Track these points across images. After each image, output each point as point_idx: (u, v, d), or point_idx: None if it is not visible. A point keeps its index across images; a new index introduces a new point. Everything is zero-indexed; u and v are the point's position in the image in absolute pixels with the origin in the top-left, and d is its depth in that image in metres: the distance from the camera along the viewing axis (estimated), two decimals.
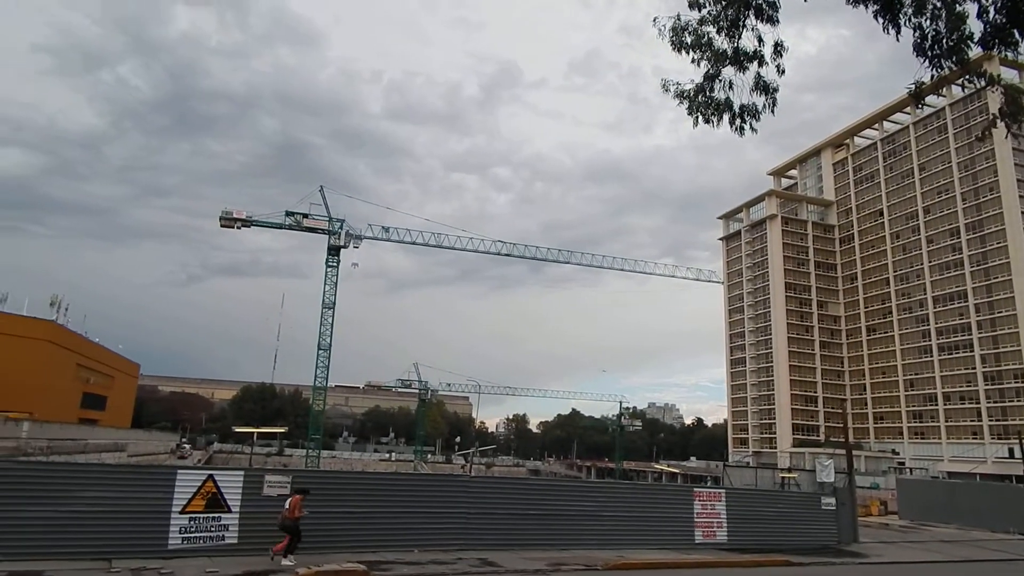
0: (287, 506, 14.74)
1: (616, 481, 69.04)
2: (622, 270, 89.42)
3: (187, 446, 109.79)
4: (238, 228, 69.36)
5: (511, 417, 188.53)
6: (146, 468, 18.74)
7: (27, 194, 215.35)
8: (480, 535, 18.01)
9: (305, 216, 69.38)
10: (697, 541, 21.17)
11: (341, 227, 70.29)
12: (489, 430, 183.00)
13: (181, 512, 15.05)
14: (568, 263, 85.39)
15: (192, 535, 15.08)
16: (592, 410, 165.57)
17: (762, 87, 8.63)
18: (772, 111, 8.74)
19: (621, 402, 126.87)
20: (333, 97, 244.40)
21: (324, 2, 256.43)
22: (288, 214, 69.12)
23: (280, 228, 70.15)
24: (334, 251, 70.56)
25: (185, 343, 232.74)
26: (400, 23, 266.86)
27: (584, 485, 30.63)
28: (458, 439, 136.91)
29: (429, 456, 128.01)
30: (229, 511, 15.55)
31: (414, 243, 75.98)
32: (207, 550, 15.03)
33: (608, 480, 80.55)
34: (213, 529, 15.33)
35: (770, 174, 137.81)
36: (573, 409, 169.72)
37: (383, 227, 74.09)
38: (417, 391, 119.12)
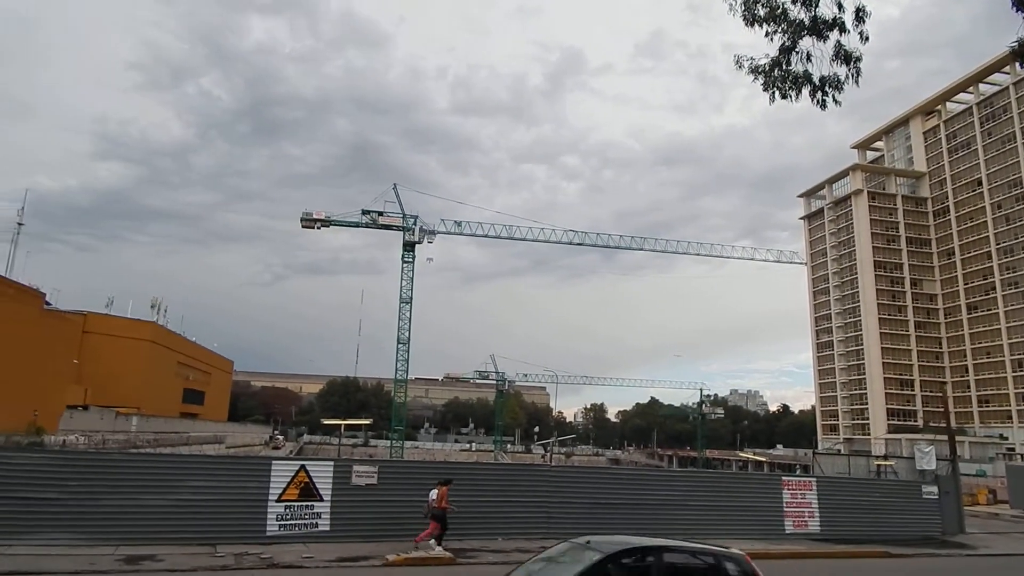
0: (433, 496, 15.44)
1: (700, 470, 67.74)
2: (697, 255, 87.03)
3: (280, 437, 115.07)
4: (318, 228, 71.96)
5: (589, 406, 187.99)
6: (244, 459, 19.81)
7: (128, 204, 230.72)
8: (563, 524, 18.08)
9: (380, 214, 71.18)
10: (787, 531, 20.53)
11: (415, 223, 71.71)
12: (567, 420, 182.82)
13: (277, 500, 15.86)
14: (641, 249, 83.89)
15: (288, 522, 15.86)
16: (671, 398, 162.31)
17: (843, 56, 8.20)
18: (856, 81, 8.29)
19: (701, 389, 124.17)
20: (401, 96, 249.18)
21: (388, 3, 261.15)
22: (364, 212, 71.10)
23: (357, 227, 72.29)
24: (409, 247, 72.13)
25: (273, 340, 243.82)
26: (462, 18, 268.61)
27: (667, 474, 30.08)
28: (537, 429, 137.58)
29: (509, 446, 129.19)
30: (321, 500, 16.26)
31: (486, 236, 76.70)
32: (302, 537, 15.76)
33: (691, 469, 79.13)
34: (307, 517, 16.06)
35: (854, 147, 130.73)
36: (652, 397, 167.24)
37: (455, 221, 75.06)
38: (494, 382, 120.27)
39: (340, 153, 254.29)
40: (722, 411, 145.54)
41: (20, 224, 65.10)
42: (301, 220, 71.00)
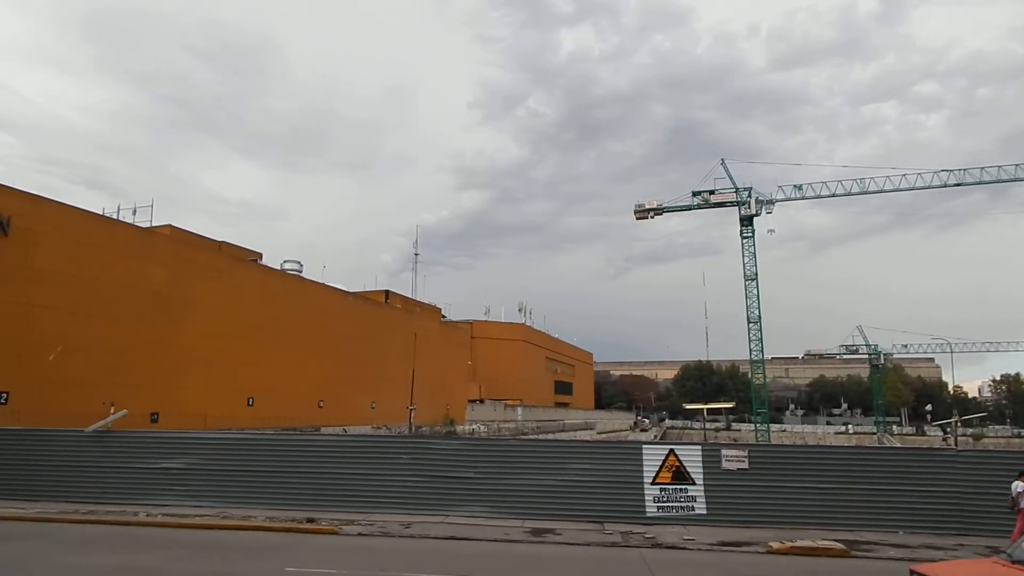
0: (1019, 488, 13.43)
1: None
2: None
3: (645, 421, 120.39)
4: (651, 217, 73.17)
5: (998, 378, 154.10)
6: (617, 444, 21.18)
7: (488, 224, 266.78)
8: (982, 520, 15.27)
9: (711, 192, 69.44)
10: None
11: (749, 195, 68.18)
12: (969, 395, 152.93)
13: (652, 483, 16.62)
14: None
15: (664, 504, 16.48)
16: None
17: None
18: None
19: None
20: (715, 67, 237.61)
21: None
22: (695, 194, 70.09)
23: (689, 210, 71.54)
24: (746, 221, 68.81)
25: (623, 330, 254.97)
26: None
27: None
28: (929, 407, 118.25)
29: (894, 427, 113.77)
30: (693, 483, 16.51)
31: (833, 195, 68.65)
32: (679, 519, 16.21)
33: None
34: (682, 500, 16.47)
35: None
36: None
37: (794, 185, 68.90)
38: (866, 356, 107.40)
39: (661, 140, 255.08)
40: None
41: (416, 254, 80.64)
42: (635, 212, 72.96)
